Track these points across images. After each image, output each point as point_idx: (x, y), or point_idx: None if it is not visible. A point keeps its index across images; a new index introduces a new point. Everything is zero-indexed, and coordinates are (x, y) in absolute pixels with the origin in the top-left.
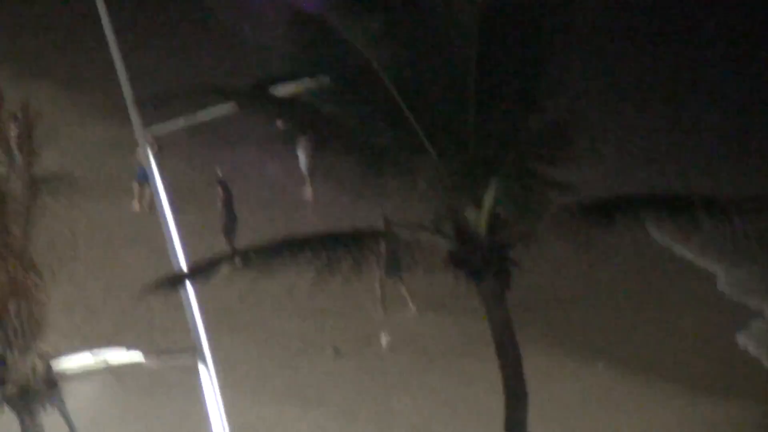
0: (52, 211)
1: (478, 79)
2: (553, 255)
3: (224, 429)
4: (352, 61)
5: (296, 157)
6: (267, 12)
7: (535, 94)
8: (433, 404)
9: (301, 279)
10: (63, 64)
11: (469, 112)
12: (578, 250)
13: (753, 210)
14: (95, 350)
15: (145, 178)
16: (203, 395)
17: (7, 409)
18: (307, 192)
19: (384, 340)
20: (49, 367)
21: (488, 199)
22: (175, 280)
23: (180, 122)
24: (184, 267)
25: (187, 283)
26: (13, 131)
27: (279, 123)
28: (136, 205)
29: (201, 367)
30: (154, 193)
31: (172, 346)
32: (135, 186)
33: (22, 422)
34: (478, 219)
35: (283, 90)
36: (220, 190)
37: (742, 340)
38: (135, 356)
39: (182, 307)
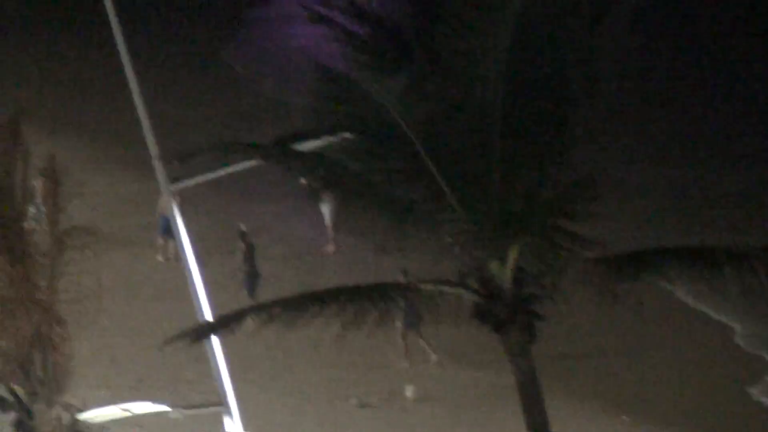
0: (78, 264)
1: (503, 133)
2: (578, 308)
3: None
4: (376, 116)
5: (320, 212)
6: (291, 68)
7: (560, 148)
8: None
9: (326, 332)
10: (88, 119)
11: (494, 167)
12: (602, 304)
13: None
14: (121, 402)
15: (167, 230)
16: None
17: None
18: (330, 246)
19: (409, 392)
20: (74, 419)
21: (513, 253)
22: (200, 333)
23: (204, 177)
24: (209, 319)
25: (213, 336)
26: (39, 185)
27: (303, 180)
28: (160, 258)
29: (226, 419)
30: (179, 245)
31: (198, 398)
32: (158, 239)
33: None
34: (502, 273)
35: (307, 146)
36: (242, 243)
37: (757, 392)
38: (160, 408)
39: (207, 359)
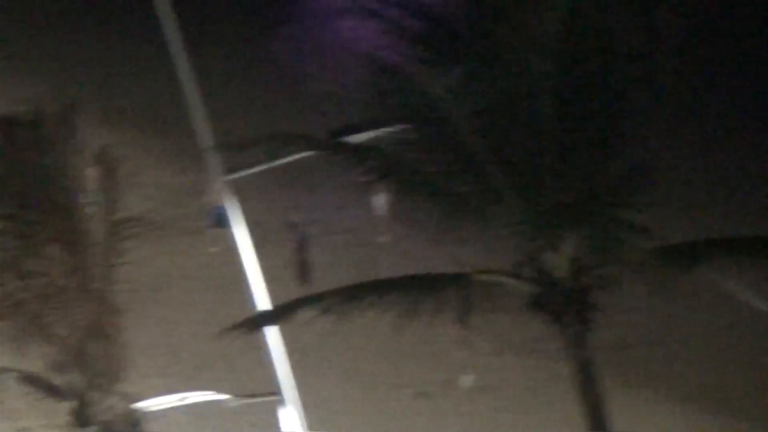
0: (134, 253)
1: (557, 125)
2: (635, 297)
3: None
4: (429, 108)
5: (374, 203)
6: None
7: (615, 139)
8: None
9: (382, 321)
10: (142, 110)
11: (548, 158)
12: (659, 293)
13: None
14: (177, 391)
15: (218, 221)
16: None
17: None
18: (385, 236)
19: (466, 381)
20: (131, 408)
21: (569, 244)
22: (257, 322)
23: (258, 167)
24: (265, 309)
25: (268, 325)
26: (94, 175)
27: (357, 172)
28: (213, 248)
29: (282, 407)
30: (233, 235)
31: (254, 387)
32: (210, 229)
33: None
34: (558, 263)
35: (361, 137)
36: (294, 234)
37: None
38: (217, 397)
39: (264, 348)
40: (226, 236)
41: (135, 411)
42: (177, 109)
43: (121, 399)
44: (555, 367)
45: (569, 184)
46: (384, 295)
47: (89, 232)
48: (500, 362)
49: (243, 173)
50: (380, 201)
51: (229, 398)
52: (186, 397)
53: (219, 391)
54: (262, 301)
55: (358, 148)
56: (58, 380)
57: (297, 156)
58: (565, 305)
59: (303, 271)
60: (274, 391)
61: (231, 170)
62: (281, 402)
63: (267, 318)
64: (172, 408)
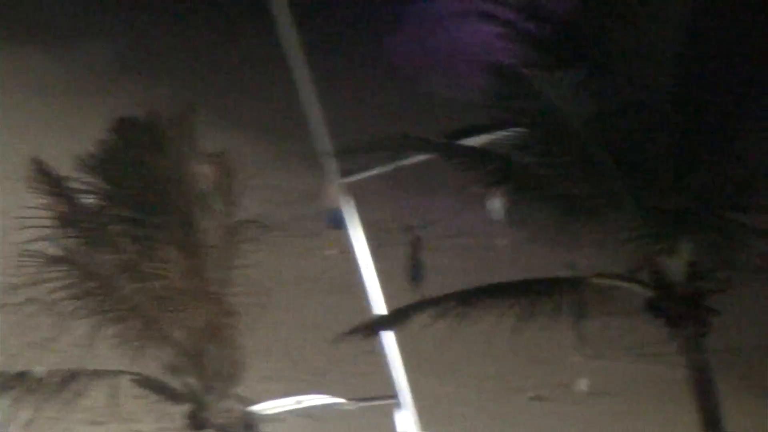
0: (251, 256)
1: (675, 129)
2: (750, 301)
3: None
4: (546, 112)
5: (491, 206)
6: (463, 63)
7: (735, 143)
8: None
9: (500, 325)
10: (259, 114)
11: (665, 163)
12: None
13: None
14: (294, 394)
15: (335, 224)
16: None
17: None
18: (501, 240)
19: (582, 385)
20: (247, 411)
21: (686, 249)
22: (375, 327)
23: (374, 171)
24: (381, 313)
25: (385, 330)
26: (211, 177)
27: (473, 176)
28: (331, 251)
29: (399, 411)
30: (350, 238)
31: (371, 391)
32: (327, 232)
33: None
34: (675, 267)
35: (477, 140)
36: (408, 237)
37: None
38: (334, 401)
39: (380, 351)
40: (342, 239)
41: (251, 414)
42: (294, 112)
43: (237, 402)
44: (670, 371)
45: (687, 189)
46: (499, 299)
47: (206, 234)
48: (615, 366)
49: (360, 176)
50: (496, 204)
51: (344, 401)
52: (302, 401)
53: (335, 394)
54: (378, 304)
55: (474, 152)
56: (174, 383)
57: (413, 159)
58: (680, 309)
59: (415, 273)
60: (390, 394)
61: (348, 173)
62: (397, 405)
63: (384, 323)
64: (288, 411)
